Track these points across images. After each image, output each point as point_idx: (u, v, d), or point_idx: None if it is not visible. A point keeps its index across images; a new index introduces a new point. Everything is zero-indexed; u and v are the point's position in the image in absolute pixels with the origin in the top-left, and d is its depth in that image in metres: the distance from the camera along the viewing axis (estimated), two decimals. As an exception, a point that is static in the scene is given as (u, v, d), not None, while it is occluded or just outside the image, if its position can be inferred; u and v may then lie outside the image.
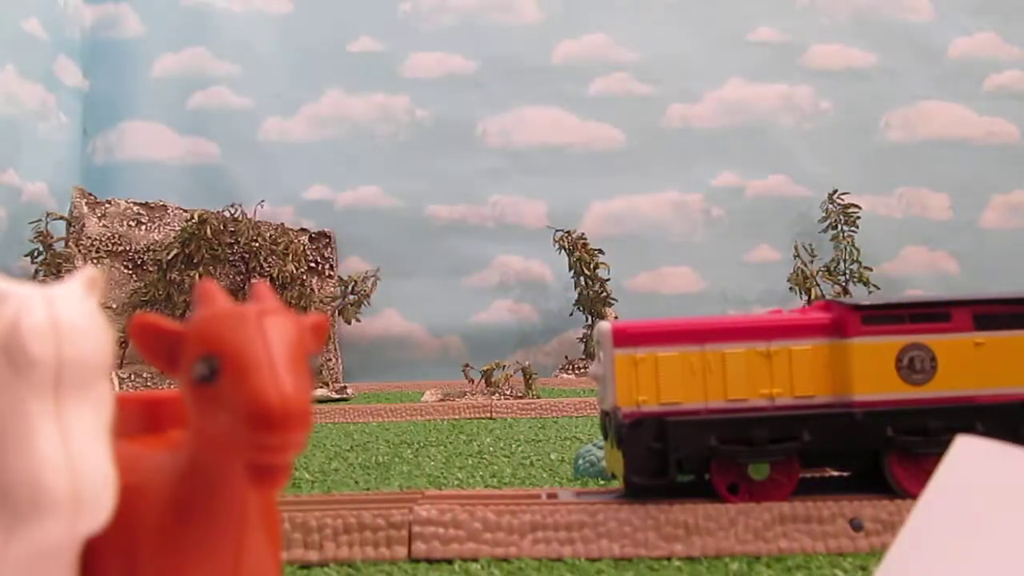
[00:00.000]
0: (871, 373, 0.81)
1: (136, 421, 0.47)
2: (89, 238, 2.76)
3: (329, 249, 3.02)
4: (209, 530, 0.40)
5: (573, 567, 0.75)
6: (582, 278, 2.85)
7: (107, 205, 2.83)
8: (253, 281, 2.89)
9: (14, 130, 2.68)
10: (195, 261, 2.74)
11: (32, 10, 2.80)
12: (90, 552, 0.41)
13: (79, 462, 0.37)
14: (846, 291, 2.84)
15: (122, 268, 2.81)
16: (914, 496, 0.80)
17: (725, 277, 3.01)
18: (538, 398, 2.07)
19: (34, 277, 2.61)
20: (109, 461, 0.39)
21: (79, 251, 2.73)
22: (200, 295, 0.41)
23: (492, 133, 3.12)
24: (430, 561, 0.77)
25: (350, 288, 2.82)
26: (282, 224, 2.97)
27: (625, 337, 0.84)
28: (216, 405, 0.38)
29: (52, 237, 2.66)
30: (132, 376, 2.67)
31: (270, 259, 2.91)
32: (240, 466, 0.38)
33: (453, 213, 3.08)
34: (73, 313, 0.38)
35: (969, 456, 0.42)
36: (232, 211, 2.88)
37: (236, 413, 0.37)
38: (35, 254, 2.63)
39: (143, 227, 2.85)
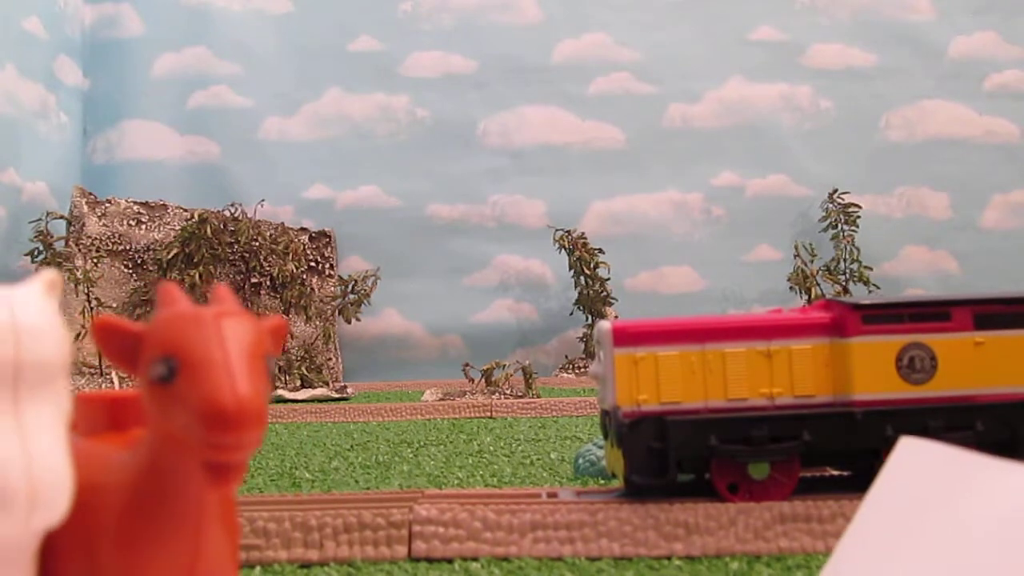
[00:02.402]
0: (871, 372, 0.81)
1: (100, 419, 0.48)
2: (89, 237, 2.76)
3: (329, 248, 3.03)
4: (167, 527, 0.41)
5: (573, 566, 0.75)
6: (582, 277, 2.85)
7: (107, 204, 2.83)
8: (253, 280, 2.90)
9: (14, 129, 2.67)
10: (195, 260, 2.74)
11: (32, 9, 2.80)
12: (50, 548, 0.42)
13: (37, 459, 0.38)
14: (846, 290, 2.84)
15: (122, 267, 2.81)
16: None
17: (725, 277, 3.01)
18: (538, 397, 2.06)
19: (34, 276, 2.61)
20: (66, 458, 0.40)
21: (79, 250, 2.73)
22: (160, 297, 0.43)
23: (492, 133, 3.12)
24: (430, 560, 0.76)
25: (350, 287, 2.82)
26: (282, 223, 2.97)
27: (625, 336, 0.84)
28: (173, 405, 0.39)
29: (52, 236, 2.66)
30: (130, 376, 2.67)
31: (270, 258, 2.91)
32: (197, 464, 0.40)
33: (453, 213, 3.08)
34: (32, 314, 0.39)
35: (912, 457, 0.42)
36: (232, 210, 2.88)
37: (192, 412, 0.38)
38: (35, 253, 2.63)
39: (143, 226, 2.85)
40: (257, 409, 0.38)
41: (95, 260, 2.75)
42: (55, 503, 0.39)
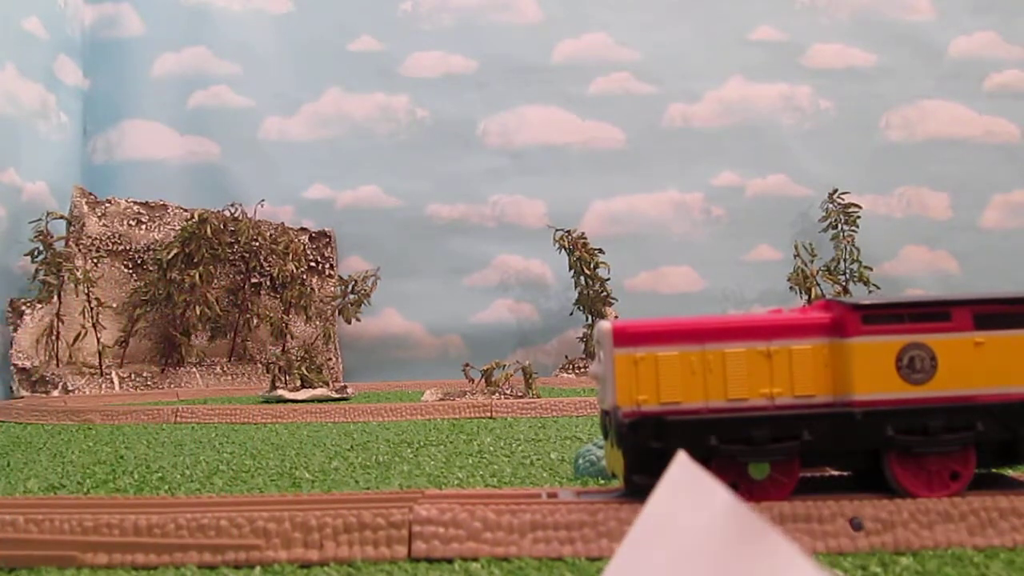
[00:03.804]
0: (871, 372, 0.81)
1: None
2: (89, 237, 2.76)
3: (329, 248, 3.03)
4: None
5: (573, 566, 0.75)
6: (582, 277, 2.85)
7: (107, 204, 2.83)
8: (253, 280, 2.90)
9: (14, 129, 2.68)
10: (195, 260, 2.74)
11: (32, 9, 2.80)
12: None
13: None
14: (846, 291, 2.84)
15: (122, 267, 2.81)
16: (914, 496, 0.80)
17: (725, 277, 3.01)
18: (538, 398, 2.06)
19: (34, 277, 2.61)
20: None
21: (79, 250, 2.73)
22: None
23: (492, 133, 3.12)
24: (430, 560, 0.76)
25: (350, 287, 2.83)
26: (282, 223, 2.98)
27: (625, 336, 0.84)
28: None
29: (52, 236, 2.66)
30: (132, 375, 2.67)
31: (270, 258, 2.91)
32: None
33: (453, 213, 3.08)
34: None
35: (681, 480, 0.41)
36: (232, 210, 2.88)
37: None
38: (35, 253, 2.63)
39: (143, 226, 2.85)
40: None
41: (95, 260, 2.75)
42: None
